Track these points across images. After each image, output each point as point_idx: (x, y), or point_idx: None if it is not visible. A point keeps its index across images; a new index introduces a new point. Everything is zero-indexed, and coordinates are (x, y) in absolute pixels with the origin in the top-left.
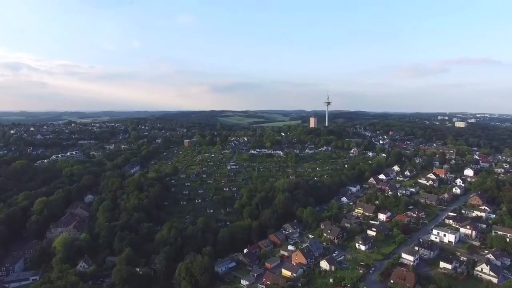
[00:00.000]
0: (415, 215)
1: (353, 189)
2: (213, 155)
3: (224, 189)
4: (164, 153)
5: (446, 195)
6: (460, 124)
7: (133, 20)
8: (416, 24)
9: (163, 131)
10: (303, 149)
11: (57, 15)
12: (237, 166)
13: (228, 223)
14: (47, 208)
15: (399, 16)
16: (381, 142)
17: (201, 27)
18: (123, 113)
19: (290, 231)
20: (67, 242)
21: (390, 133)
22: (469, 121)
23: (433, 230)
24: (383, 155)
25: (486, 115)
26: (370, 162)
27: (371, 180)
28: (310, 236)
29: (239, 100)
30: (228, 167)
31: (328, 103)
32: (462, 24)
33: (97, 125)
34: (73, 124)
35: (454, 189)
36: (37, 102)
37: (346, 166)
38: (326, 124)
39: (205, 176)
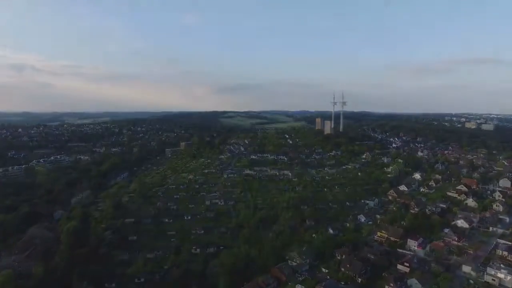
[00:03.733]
0: (455, 242)
1: (371, 203)
2: (209, 161)
3: (219, 203)
4: (158, 157)
5: (488, 214)
6: (470, 125)
7: (136, 20)
8: (419, 24)
9: (160, 133)
10: (310, 154)
11: (60, 15)
12: (236, 175)
13: (221, 247)
14: None
15: (402, 16)
16: (393, 145)
17: (205, 28)
18: (125, 113)
19: (298, 262)
20: (5, 283)
21: (401, 135)
22: (478, 121)
23: (488, 268)
24: (400, 161)
25: (492, 115)
26: (386, 169)
27: (391, 192)
28: (324, 270)
29: (242, 100)
30: (225, 176)
31: (343, 103)
32: (465, 24)
33: (91, 126)
34: (65, 125)
35: (495, 206)
36: (41, 103)
37: (359, 174)
38: (341, 129)
39: (197, 186)
